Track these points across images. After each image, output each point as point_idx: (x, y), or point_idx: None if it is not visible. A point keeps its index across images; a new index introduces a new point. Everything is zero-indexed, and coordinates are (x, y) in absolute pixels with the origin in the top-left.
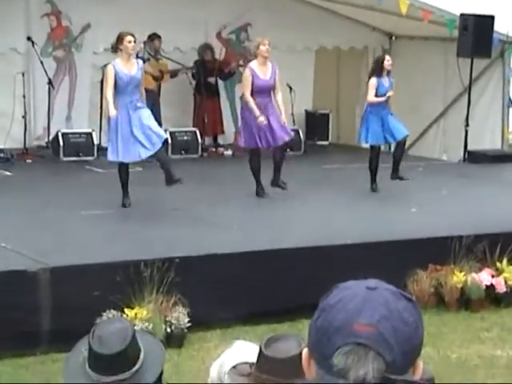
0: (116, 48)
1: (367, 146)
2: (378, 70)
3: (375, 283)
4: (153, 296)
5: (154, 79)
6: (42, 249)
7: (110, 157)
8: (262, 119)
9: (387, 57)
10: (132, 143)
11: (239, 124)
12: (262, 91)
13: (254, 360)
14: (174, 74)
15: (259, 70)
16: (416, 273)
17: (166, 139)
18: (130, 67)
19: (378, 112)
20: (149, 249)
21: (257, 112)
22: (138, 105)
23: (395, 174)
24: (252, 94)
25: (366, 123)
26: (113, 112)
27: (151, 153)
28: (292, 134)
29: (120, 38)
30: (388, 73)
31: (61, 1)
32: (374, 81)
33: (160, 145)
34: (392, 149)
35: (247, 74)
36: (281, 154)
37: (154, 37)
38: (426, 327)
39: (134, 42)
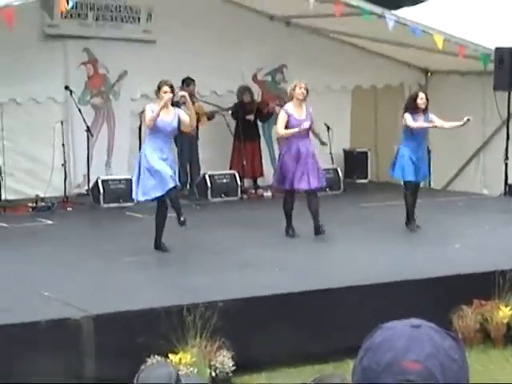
0: (156, 94)
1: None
2: (411, 108)
3: (419, 321)
4: (196, 340)
5: None
6: (85, 297)
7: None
8: (304, 125)
9: (420, 94)
10: (157, 178)
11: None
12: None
13: None
14: (211, 115)
15: (294, 111)
16: (461, 309)
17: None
18: (167, 114)
19: (412, 149)
20: (191, 293)
21: (295, 130)
22: (164, 156)
23: (408, 222)
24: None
25: (401, 159)
26: (156, 114)
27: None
28: (324, 182)
29: (158, 87)
30: (424, 110)
31: (97, 49)
32: (407, 115)
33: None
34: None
35: (282, 114)
36: (315, 202)
37: (188, 81)
38: (473, 365)
39: (172, 92)
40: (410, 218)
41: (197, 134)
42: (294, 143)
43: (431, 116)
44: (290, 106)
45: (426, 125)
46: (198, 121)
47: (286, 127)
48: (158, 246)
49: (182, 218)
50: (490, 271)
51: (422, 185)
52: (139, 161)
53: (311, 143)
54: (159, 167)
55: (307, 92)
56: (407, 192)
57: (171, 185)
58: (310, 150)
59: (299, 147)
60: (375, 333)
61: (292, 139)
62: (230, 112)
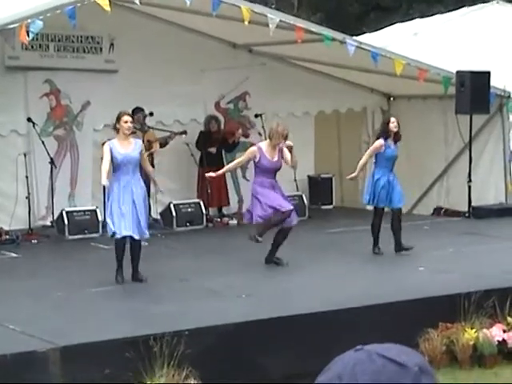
0: (115, 127)
1: (371, 207)
2: (384, 132)
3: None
4: (164, 370)
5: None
6: (51, 329)
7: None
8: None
9: (392, 119)
10: (122, 218)
11: (248, 203)
12: (268, 172)
13: None
14: (163, 141)
15: (267, 152)
16: (427, 332)
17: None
18: (126, 146)
19: (384, 175)
20: (157, 323)
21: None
22: (134, 189)
23: (398, 247)
24: (258, 174)
25: (373, 187)
26: (104, 181)
27: (134, 236)
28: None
29: (118, 118)
30: (395, 136)
31: (59, 80)
32: (380, 141)
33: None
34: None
35: (254, 150)
36: (285, 235)
37: (136, 110)
38: None
39: (132, 122)
40: (396, 243)
41: (152, 162)
42: (266, 179)
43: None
44: (263, 145)
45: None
46: (150, 148)
47: (257, 166)
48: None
49: (139, 276)
50: (455, 293)
51: (386, 209)
52: (108, 195)
53: (276, 182)
54: (124, 211)
55: (286, 138)
56: (376, 218)
57: (126, 233)
58: (276, 185)
59: (269, 180)
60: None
61: (262, 177)
62: (195, 142)
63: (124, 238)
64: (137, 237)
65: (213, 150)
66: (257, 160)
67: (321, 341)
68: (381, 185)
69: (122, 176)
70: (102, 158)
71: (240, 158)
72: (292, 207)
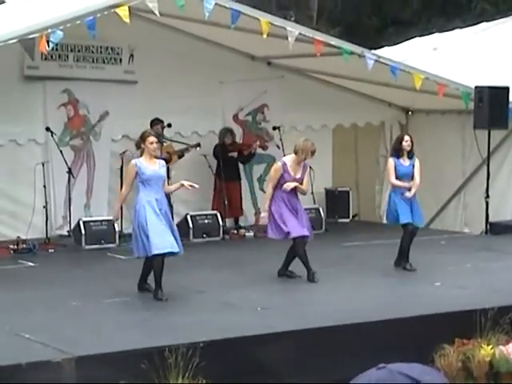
0: (139, 146)
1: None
2: (396, 150)
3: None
4: (179, 381)
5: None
6: (67, 339)
7: (141, 253)
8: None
9: (406, 137)
10: (164, 233)
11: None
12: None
13: None
14: (180, 154)
15: (291, 167)
16: (443, 348)
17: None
18: (153, 165)
19: (402, 192)
20: (173, 334)
21: (290, 186)
22: (166, 205)
23: (398, 262)
24: (278, 188)
25: (394, 205)
26: (117, 215)
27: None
28: (312, 233)
29: (143, 138)
30: (409, 153)
31: (78, 90)
32: (390, 161)
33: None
34: None
35: (278, 166)
36: (301, 250)
37: (155, 122)
38: None
39: (157, 143)
40: (401, 258)
41: (168, 175)
42: (286, 195)
43: (416, 163)
44: (288, 160)
45: (402, 184)
46: (170, 160)
47: (279, 181)
48: (142, 287)
49: (158, 295)
50: (472, 310)
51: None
52: (135, 216)
53: (299, 199)
54: (152, 228)
55: (313, 154)
56: (405, 234)
57: (155, 251)
58: (298, 203)
59: (290, 199)
60: None
61: (282, 192)
62: (212, 154)
63: (163, 254)
64: (177, 250)
65: (234, 154)
66: (279, 176)
67: (336, 354)
68: (398, 201)
69: (154, 193)
70: (121, 168)
71: (271, 181)
72: (305, 233)
